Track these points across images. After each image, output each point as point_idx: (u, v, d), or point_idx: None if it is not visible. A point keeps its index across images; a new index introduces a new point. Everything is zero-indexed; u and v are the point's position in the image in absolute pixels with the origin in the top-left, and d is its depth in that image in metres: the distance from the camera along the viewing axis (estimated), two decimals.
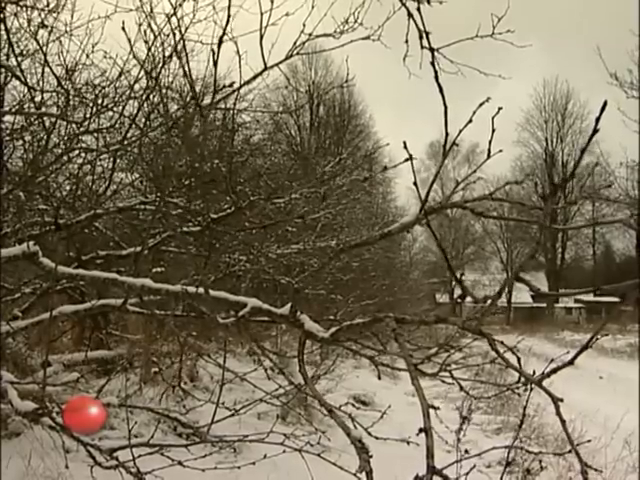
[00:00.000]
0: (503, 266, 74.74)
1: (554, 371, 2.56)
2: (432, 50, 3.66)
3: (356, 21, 5.26)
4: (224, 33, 5.37)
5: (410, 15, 3.20)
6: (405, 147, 2.75)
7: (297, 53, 5.70)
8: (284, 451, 3.98)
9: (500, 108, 2.35)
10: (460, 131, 2.51)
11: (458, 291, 72.41)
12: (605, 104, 2.01)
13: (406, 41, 3.25)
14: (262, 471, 5.31)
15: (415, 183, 2.71)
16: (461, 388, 3.50)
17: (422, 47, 3.32)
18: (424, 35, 3.17)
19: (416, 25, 3.20)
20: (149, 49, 6.49)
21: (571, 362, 2.54)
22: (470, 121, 2.45)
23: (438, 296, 58.26)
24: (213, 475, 4.13)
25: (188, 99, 6.88)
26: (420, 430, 2.20)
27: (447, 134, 2.45)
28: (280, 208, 8.18)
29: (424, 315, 3.16)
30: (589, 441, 6.10)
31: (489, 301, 2.67)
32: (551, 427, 9.18)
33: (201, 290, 3.32)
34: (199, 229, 7.10)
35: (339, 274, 11.54)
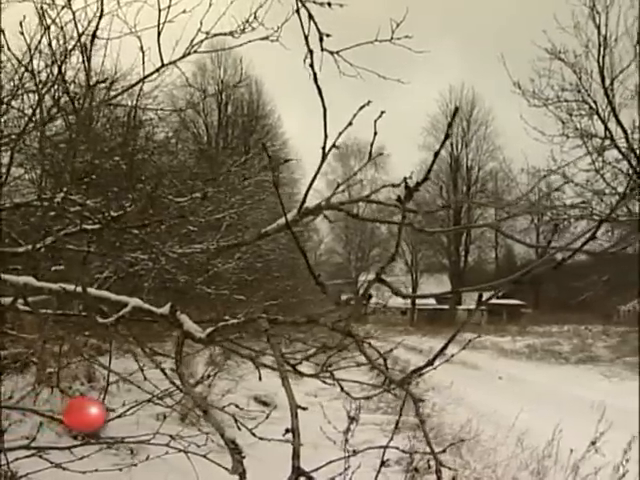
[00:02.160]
0: (407, 268, 75.81)
1: (415, 372, 2.59)
2: (332, 53, 3.68)
3: (255, 18, 5.22)
4: (97, 28, 5.28)
5: (311, 17, 3.20)
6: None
7: (195, 51, 5.63)
8: (167, 452, 3.94)
9: (383, 112, 2.36)
10: (340, 133, 2.51)
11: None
12: (457, 109, 2.04)
13: (306, 43, 3.23)
14: (159, 471, 5.25)
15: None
16: (342, 389, 3.51)
17: (322, 49, 3.32)
18: (324, 37, 3.17)
19: (316, 27, 3.20)
20: (50, 43, 6.33)
21: (430, 363, 2.58)
22: (350, 124, 2.45)
23: (344, 297, 58.62)
24: (101, 476, 4.04)
25: (85, 94, 6.72)
26: (287, 430, 2.19)
27: (326, 136, 2.44)
28: (184, 207, 8.08)
29: (319, 316, 3.15)
30: (462, 441, 6.20)
31: (371, 301, 2.68)
32: (449, 427, 9.33)
33: (79, 289, 3.24)
34: (99, 227, 6.95)
35: (243, 274, 11.48)
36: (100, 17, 5.28)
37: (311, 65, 2.18)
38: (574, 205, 26.74)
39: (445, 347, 2.52)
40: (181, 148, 16.42)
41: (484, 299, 3.25)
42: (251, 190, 11.42)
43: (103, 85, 6.21)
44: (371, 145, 2.50)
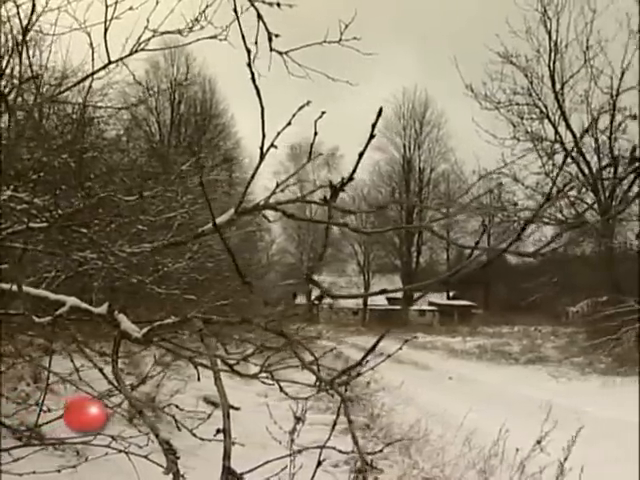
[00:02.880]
0: (360, 268, 76.04)
1: (344, 372, 2.60)
2: (280, 53, 3.67)
3: (203, 17, 5.18)
4: (29, 22, 5.21)
5: (260, 17, 3.19)
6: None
7: (142, 49, 5.57)
8: (106, 453, 3.90)
9: (323, 112, 2.36)
10: (278, 133, 2.50)
11: (316, 292, 72.64)
12: (381, 110, 2.04)
13: (255, 43, 3.22)
14: (104, 472, 5.20)
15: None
16: (281, 389, 3.50)
17: (271, 49, 3.31)
18: (273, 37, 3.16)
19: (265, 27, 3.19)
20: None
21: (359, 363, 2.59)
22: (289, 124, 2.44)
23: (298, 297, 58.59)
24: (41, 478, 3.99)
25: (18, 90, 6.61)
26: (218, 430, 2.18)
27: (264, 136, 2.43)
28: (134, 206, 8.00)
29: (266, 317, 3.14)
30: (401, 440, 6.25)
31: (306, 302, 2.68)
32: (398, 426, 9.38)
33: (15, 287, 3.19)
34: (46, 225, 6.85)
35: (194, 274, 11.41)
36: (32, 12, 5.20)
37: (249, 65, 2.17)
38: (525, 207, 27.04)
39: (373, 348, 2.53)
40: (133, 146, 16.28)
41: (413, 298, 3.25)
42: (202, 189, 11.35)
43: (52, 82, 6.12)
44: (311, 146, 2.50)
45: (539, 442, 5.79)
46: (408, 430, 8.50)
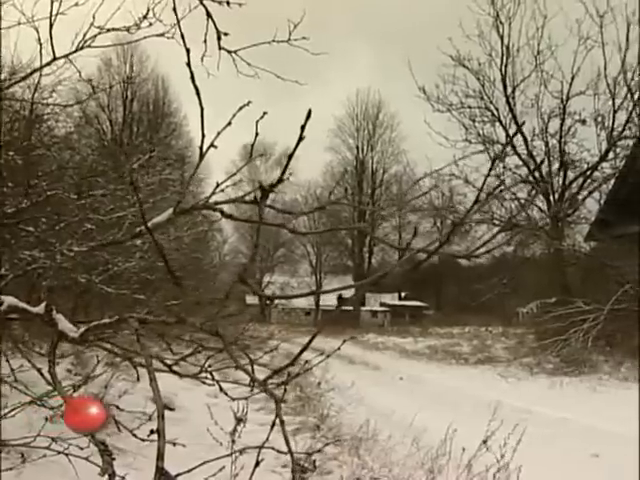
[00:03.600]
0: (312, 269, 76.11)
1: (276, 372, 2.61)
2: (229, 52, 3.66)
3: (148, 13, 5.13)
4: None
5: (209, 15, 3.17)
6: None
7: (88, 46, 5.51)
8: (44, 455, 3.85)
9: (265, 112, 2.35)
10: (218, 133, 2.49)
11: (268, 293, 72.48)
12: (310, 112, 2.05)
13: (204, 41, 3.20)
14: (50, 472, 5.14)
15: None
16: (221, 389, 3.50)
17: (220, 48, 3.30)
18: (222, 36, 3.15)
19: (214, 26, 3.18)
20: None
21: (291, 363, 2.60)
22: (229, 124, 2.44)
23: (248, 298, 58.36)
24: None
25: None
26: (151, 431, 2.17)
27: (204, 135, 2.42)
28: (85, 204, 7.93)
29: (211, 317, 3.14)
30: (338, 440, 6.26)
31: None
32: (348, 427, 9.40)
33: None
34: None
35: (144, 274, 11.34)
36: None
37: (188, 64, 2.16)
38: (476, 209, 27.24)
39: (305, 349, 2.54)
40: (84, 144, 16.11)
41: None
42: (154, 188, 11.28)
43: None
44: (252, 146, 2.49)
45: (485, 442, 5.84)
46: (358, 430, 8.52)
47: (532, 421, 11.01)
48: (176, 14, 2.65)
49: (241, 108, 2.29)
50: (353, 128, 75.26)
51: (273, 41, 4.08)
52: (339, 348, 3.24)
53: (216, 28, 3.07)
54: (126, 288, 10.42)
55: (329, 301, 75.22)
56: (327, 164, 74.80)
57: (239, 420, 2.92)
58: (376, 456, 7.24)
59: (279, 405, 2.49)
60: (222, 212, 2.46)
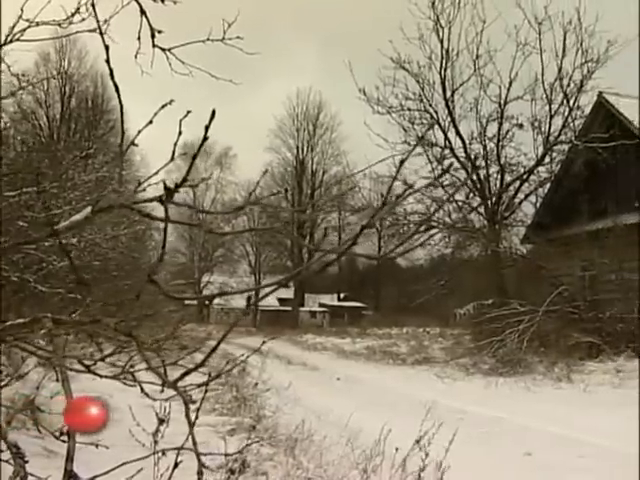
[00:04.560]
0: (251, 269, 75.92)
1: (187, 373, 2.60)
2: (163, 50, 3.61)
3: (81, 8, 5.05)
4: None
5: (143, 12, 3.13)
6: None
7: (17, 39, 5.39)
8: None
9: (189, 111, 2.33)
10: (139, 132, 2.46)
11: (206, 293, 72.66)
12: (214, 112, 2.04)
13: (138, 38, 3.16)
14: None
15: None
16: (142, 390, 3.46)
17: (154, 46, 3.26)
18: (156, 33, 3.11)
19: (148, 23, 3.14)
20: None
21: (202, 364, 2.59)
22: (150, 122, 2.41)
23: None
24: None
25: None
26: (61, 433, 2.15)
27: (124, 133, 2.39)
28: (19, 201, 7.79)
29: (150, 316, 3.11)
30: (257, 441, 6.24)
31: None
32: (285, 427, 9.39)
33: None
34: None
35: (80, 273, 11.17)
36: None
37: (107, 61, 2.12)
38: (415, 212, 27.52)
39: (214, 350, 2.53)
40: (20, 140, 15.82)
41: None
42: (90, 186, 11.15)
43: None
44: (174, 144, 2.46)
45: (418, 442, 5.88)
46: (294, 430, 8.51)
47: (467, 421, 11.15)
48: (95, 10, 2.60)
49: (163, 106, 2.27)
50: (293, 128, 75.39)
51: (207, 39, 4.05)
52: (258, 349, 3.22)
53: (150, 25, 3.03)
54: (61, 287, 10.26)
55: (268, 301, 75.14)
56: (267, 164, 74.76)
57: (161, 421, 2.90)
58: (311, 456, 7.24)
59: (188, 406, 2.47)
60: (140, 211, 2.42)
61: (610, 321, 21.65)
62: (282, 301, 78.18)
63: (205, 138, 2.03)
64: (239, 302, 70.66)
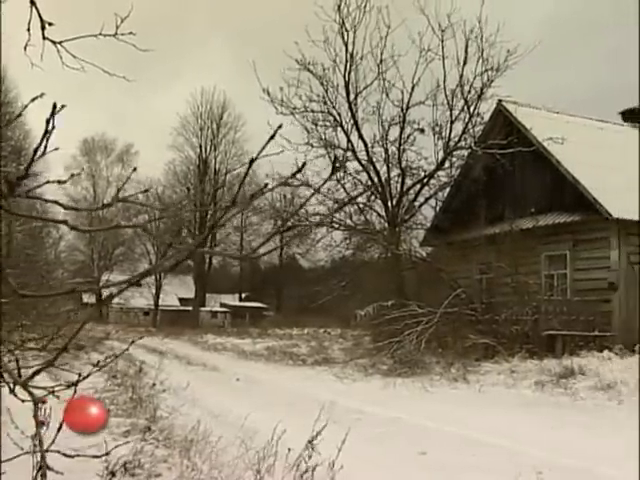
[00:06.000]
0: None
1: (36, 372, 2.55)
2: (54, 42, 3.50)
3: None
4: None
5: (32, 3, 3.04)
6: None
7: None
8: None
9: (63, 105, 2.26)
10: (9, 122, 2.39)
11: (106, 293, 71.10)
12: (55, 105, 1.99)
13: (28, 30, 3.06)
14: None
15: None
16: (11, 391, 3.36)
17: (44, 38, 3.16)
18: (46, 25, 3.02)
19: (39, 14, 3.04)
20: None
21: (51, 363, 2.54)
22: (20, 115, 2.34)
23: (85, 297, 56.82)
24: None
25: None
26: None
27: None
28: None
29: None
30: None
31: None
32: (181, 428, 9.28)
33: None
34: None
35: None
36: None
37: None
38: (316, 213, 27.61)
39: (64, 349, 2.48)
40: None
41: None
42: None
43: None
44: (44, 138, 2.39)
45: (311, 442, 5.88)
46: (190, 431, 8.41)
47: (365, 421, 11.25)
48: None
49: (33, 100, 2.19)
50: (197, 127, 74.88)
51: (100, 34, 3.94)
52: (127, 349, 3.16)
53: (40, 17, 2.94)
54: None
55: (169, 301, 74.49)
56: (169, 162, 74.13)
57: (41, 423, 2.81)
58: (206, 458, 7.16)
59: (37, 406, 2.41)
60: (7, 210, 2.34)
61: (505, 323, 22.20)
62: (183, 301, 77.57)
63: (46, 131, 1.96)
64: (139, 301, 69.85)
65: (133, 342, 3.02)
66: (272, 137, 2.01)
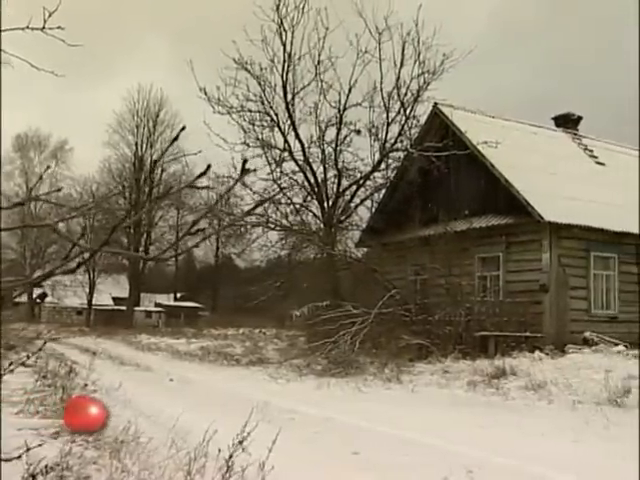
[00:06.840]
0: (85, 267, 74.04)
1: None
2: None
3: None
4: None
5: None
6: None
7: None
8: None
9: None
10: None
11: (38, 291, 70.50)
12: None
13: None
14: None
15: None
16: None
17: None
18: None
19: None
20: None
21: None
22: None
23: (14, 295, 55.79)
24: None
25: None
26: None
27: None
28: None
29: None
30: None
31: None
32: (112, 429, 9.16)
33: None
34: None
35: None
36: None
37: None
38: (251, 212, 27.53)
39: None
40: None
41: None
42: None
43: None
44: None
45: (241, 442, 5.87)
46: (121, 432, 8.31)
47: (298, 421, 11.26)
48: None
49: None
50: (133, 124, 74.16)
51: (27, 27, 3.87)
52: (44, 345, 3.12)
53: None
54: None
55: (103, 300, 73.66)
56: (105, 160, 73.27)
57: None
58: (137, 459, 7.08)
59: None
60: None
61: (439, 324, 22.48)
62: (117, 300, 76.74)
63: None
64: (73, 301, 68.95)
65: (46, 342, 2.97)
66: (175, 139, 1.99)
